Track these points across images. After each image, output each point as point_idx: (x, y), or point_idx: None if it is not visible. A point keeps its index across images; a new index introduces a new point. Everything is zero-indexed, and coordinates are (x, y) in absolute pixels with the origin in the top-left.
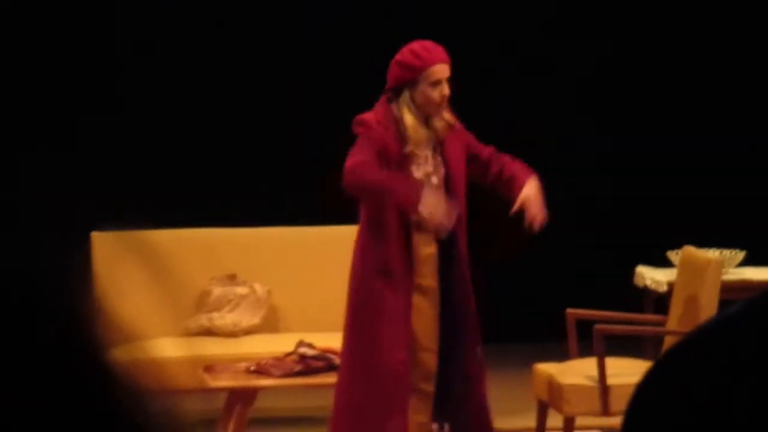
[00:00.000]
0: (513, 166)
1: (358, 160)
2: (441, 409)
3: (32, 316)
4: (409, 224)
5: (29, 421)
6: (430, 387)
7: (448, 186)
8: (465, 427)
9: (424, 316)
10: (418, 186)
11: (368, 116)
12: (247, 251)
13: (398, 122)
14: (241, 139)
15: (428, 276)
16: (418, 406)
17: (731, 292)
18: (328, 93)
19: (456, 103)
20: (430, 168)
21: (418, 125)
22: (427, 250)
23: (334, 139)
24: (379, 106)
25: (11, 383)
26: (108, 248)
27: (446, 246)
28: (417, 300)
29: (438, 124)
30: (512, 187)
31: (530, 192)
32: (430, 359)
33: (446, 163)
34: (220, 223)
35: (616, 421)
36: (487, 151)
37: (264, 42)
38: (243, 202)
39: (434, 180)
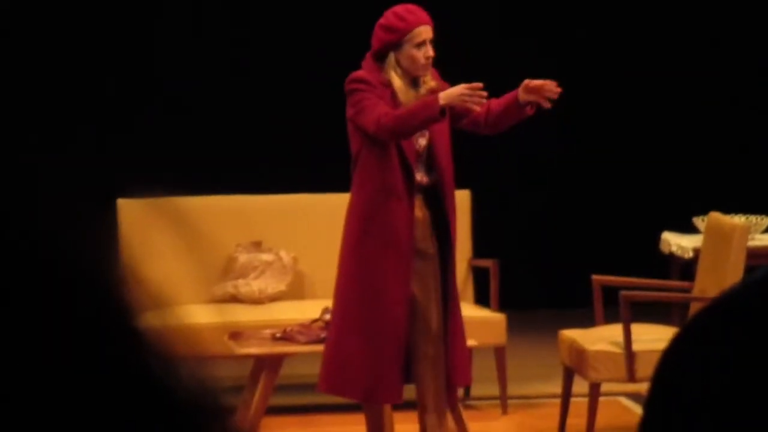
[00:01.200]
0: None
1: (376, 118)
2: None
3: (62, 283)
4: (412, 186)
5: (61, 385)
6: (438, 350)
7: (432, 148)
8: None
9: (427, 280)
10: (429, 95)
11: (366, 75)
12: (273, 218)
13: (387, 85)
14: (267, 105)
15: (426, 239)
16: (429, 371)
17: (757, 257)
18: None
19: (439, 65)
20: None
21: (406, 88)
22: (420, 213)
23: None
24: (368, 68)
25: (43, 349)
26: (134, 215)
27: (437, 210)
28: (419, 264)
29: (423, 88)
30: (507, 100)
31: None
32: (435, 322)
33: (431, 128)
34: (246, 189)
35: (642, 387)
36: None
37: (285, 11)
38: (269, 168)
39: (421, 142)
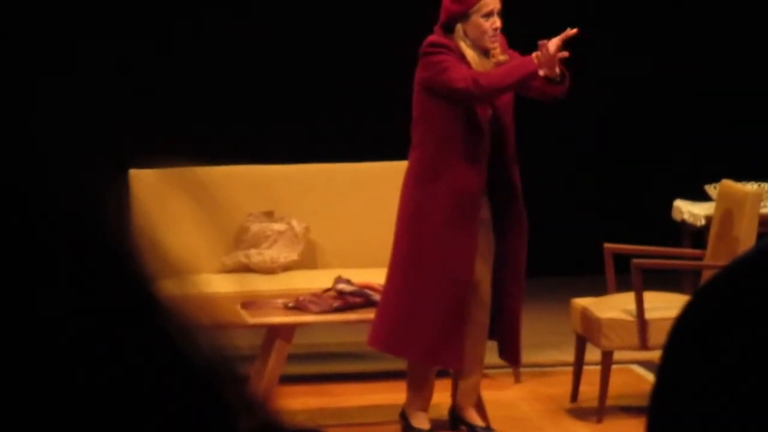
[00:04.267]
0: None
1: (462, 76)
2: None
3: (79, 251)
4: (482, 151)
5: (79, 353)
6: (485, 318)
7: (497, 121)
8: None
9: (481, 248)
10: (523, 58)
11: (442, 40)
12: (285, 187)
13: (461, 55)
14: (278, 75)
15: (483, 208)
16: (472, 338)
17: None
18: (370, 31)
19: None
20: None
21: (479, 59)
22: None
23: (371, 75)
24: (439, 36)
25: (61, 317)
26: (146, 185)
27: (501, 179)
28: (480, 232)
29: (492, 61)
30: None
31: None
32: (485, 289)
33: (495, 100)
34: (258, 159)
35: (654, 355)
36: None
37: None
38: (280, 138)
39: (489, 112)
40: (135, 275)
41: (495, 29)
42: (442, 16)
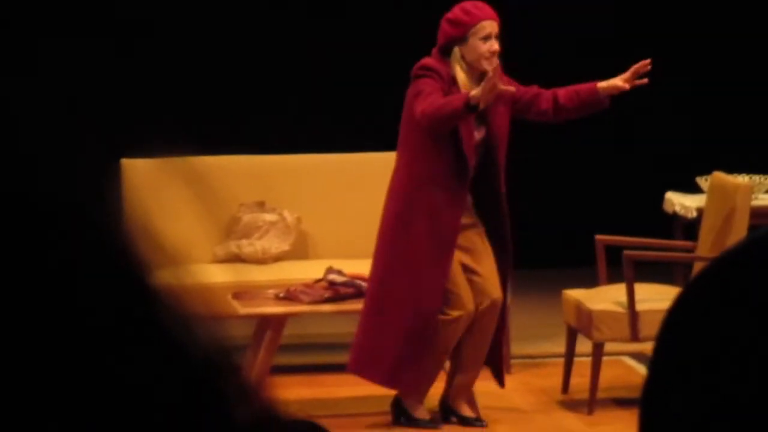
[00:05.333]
0: (566, 88)
1: (426, 102)
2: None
3: (73, 242)
4: (464, 176)
5: (75, 344)
6: (492, 319)
7: (489, 141)
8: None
9: (476, 251)
10: (458, 95)
11: (434, 63)
12: (276, 178)
13: (452, 79)
14: (270, 64)
15: (465, 213)
16: (476, 336)
17: (761, 217)
18: (364, 22)
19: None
20: (475, 123)
21: (470, 83)
22: (467, 197)
23: (365, 65)
24: (437, 59)
25: (55, 309)
26: (138, 175)
27: (487, 187)
28: (462, 239)
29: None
30: (582, 92)
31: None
32: (494, 290)
33: (489, 121)
34: (250, 149)
35: (645, 346)
36: (532, 89)
37: None
38: (272, 128)
39: (476, 136)
40: (129, 265)
41: (492, 52)
42: (440, 39)
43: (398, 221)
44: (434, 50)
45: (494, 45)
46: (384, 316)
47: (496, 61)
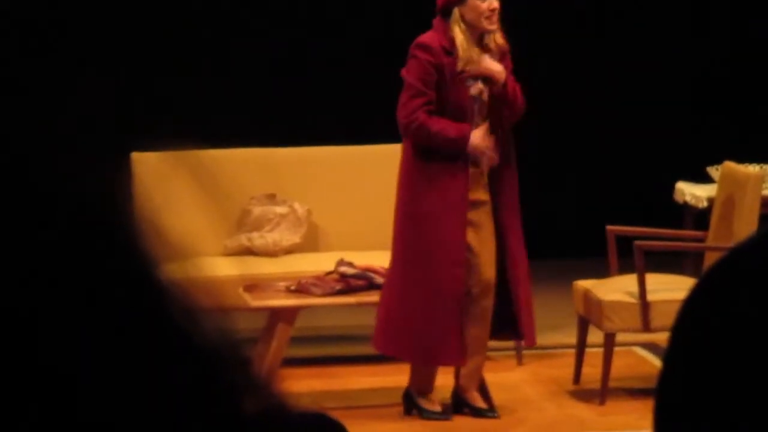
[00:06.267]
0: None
1: (409, 112)
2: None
3: (84, 234)
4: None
5: (83, 336)
6: (489, 301)
7: (492, 104)
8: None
9: (482, 230)
10: (465, 129)
11: (429, 39)
12: (287, 170)
13: (450, 49)
14: (280, 57)
15: (480, 191)
16: (477, 321)
17: None
18: (372, 14)
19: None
20: (481, 85)
21: (469, 44)
22: (473, 167)
23: (374, 58)
24: (437, 27)
25: (66, 300)
26: (149, 168)
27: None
28: (474, 215)
29: (490, 44)
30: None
31: None
32: (489, 272)
33: (490, 85)
34: (260, 142)
35: (657, 336)
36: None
37: None
38: (282, 121)
39: (485, 97)
40: (139, 258)
41: (492, 10)
42: (440, 2)
43: (409, 197)
44: (435, 19)
45: (493, 2)
46: (409, 294)
47: (495, 18)
